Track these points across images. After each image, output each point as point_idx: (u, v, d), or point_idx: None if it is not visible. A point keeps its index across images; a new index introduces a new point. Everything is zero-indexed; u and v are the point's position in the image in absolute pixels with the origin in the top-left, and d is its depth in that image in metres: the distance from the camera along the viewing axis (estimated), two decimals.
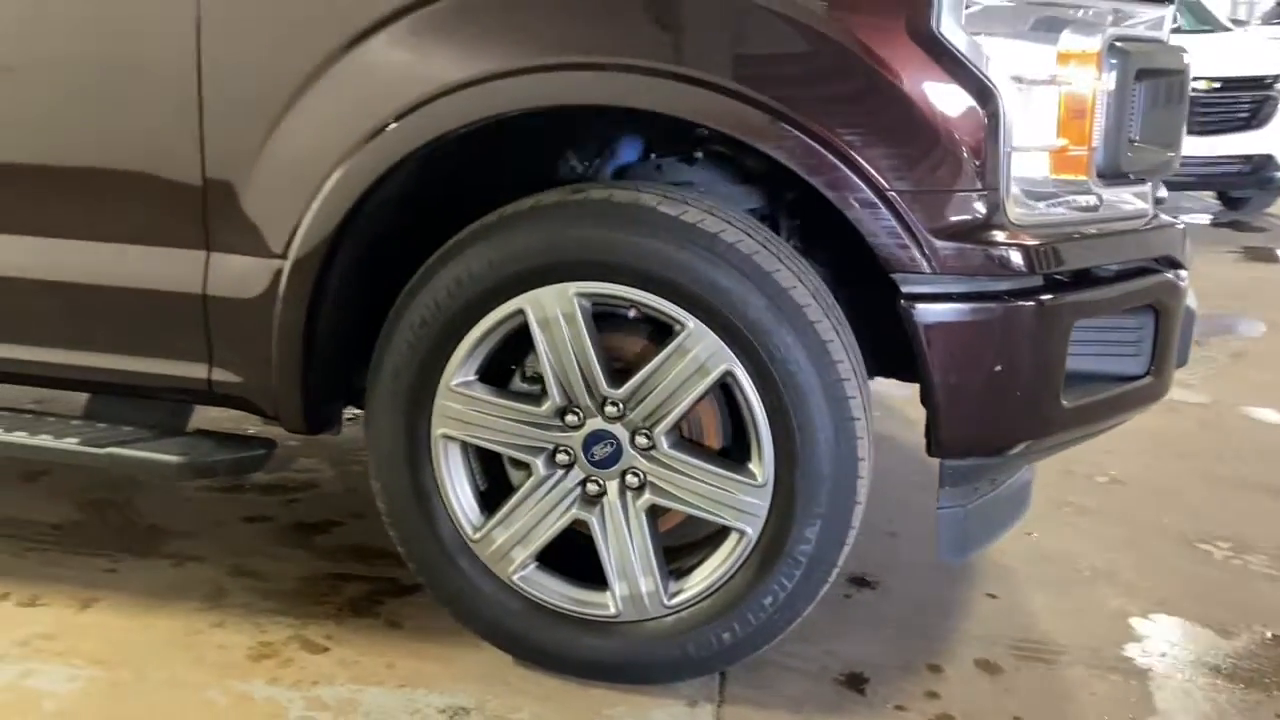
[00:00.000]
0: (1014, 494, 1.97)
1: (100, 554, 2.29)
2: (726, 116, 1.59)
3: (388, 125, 1.67)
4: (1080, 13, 1.68)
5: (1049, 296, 1.65)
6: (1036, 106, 1.65)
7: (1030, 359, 1.66)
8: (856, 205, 1.59)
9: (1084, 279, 1.75)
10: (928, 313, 1.62)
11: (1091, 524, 2.59)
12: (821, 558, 1.72)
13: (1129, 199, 1.84)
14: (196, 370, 1.88)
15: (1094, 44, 1.67)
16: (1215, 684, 1.94)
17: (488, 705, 1.81)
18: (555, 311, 1.72)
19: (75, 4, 1.82)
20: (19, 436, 1.94)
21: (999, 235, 1.61)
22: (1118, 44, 1.70)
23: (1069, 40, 1.65)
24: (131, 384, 1.94)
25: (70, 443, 1.91)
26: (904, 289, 1.61)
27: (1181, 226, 1.97)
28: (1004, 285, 1.63)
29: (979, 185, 1.60)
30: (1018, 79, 1.61)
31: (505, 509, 1.83)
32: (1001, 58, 1.60)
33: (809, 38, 1.58)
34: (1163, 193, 2.16)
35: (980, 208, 1.60)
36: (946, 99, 1.58)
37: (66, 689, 1.83)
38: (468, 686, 1.86)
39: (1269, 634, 2.12)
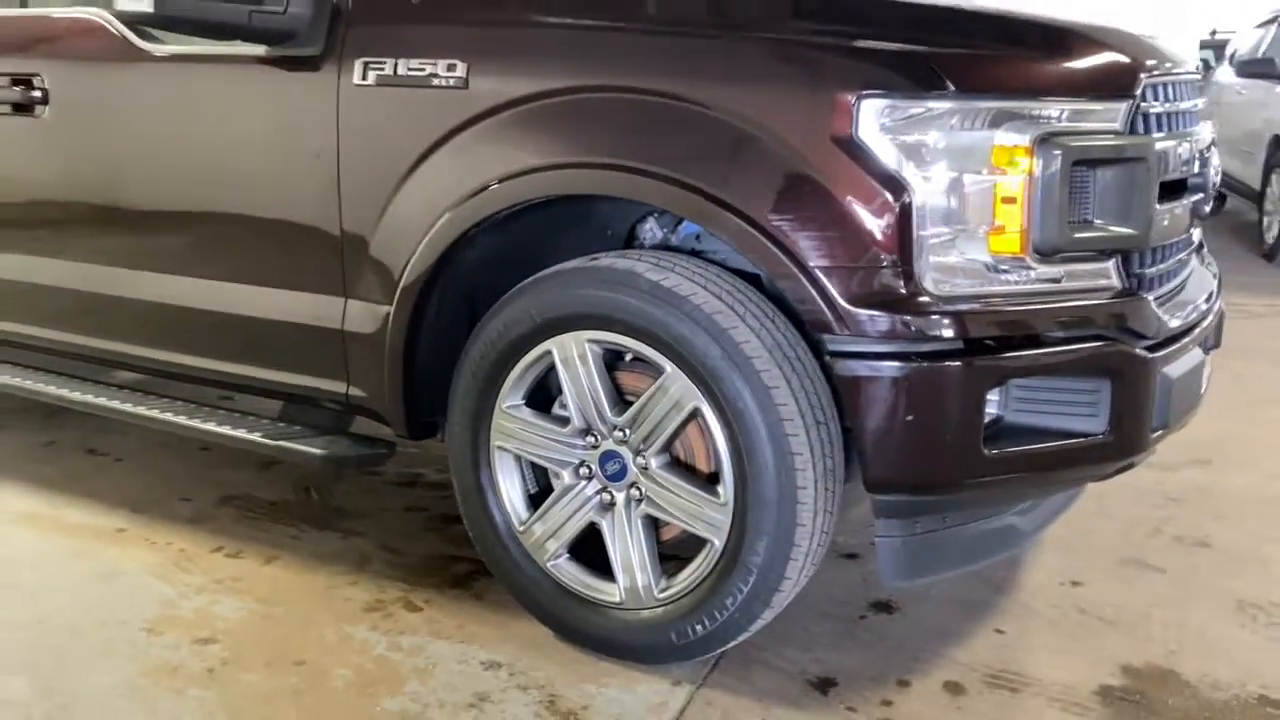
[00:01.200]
0: (985, 533, 2.20)
1: (293, 525, 2.99)
2: (683, 203, 2.00)
3: (450, 209, 2.21)
4: (1010, 113, 1.92)
5: (958, 358, 1.91)
6: (956, 196, 1.92)
7: (942, 411, 1.92)
8: (781, 277, 1.94)
9: (1021, 343, 1.98)
10: (846, 367, 1.94)
11: (1149, 581, 2.68)
12: (769, 569, 2.06)
13: (1078, 274, 2.03)
14: (339, 386, 2.51)
15: (1020, 140, 1.91)
16: None
17: (517, 664, 2.28)
18: (573, 353, 2.18)
19: (263, 129, 2.50)
20: (225, 429, 2.66)
21: (912, 305, 1.90)
22: (1051, 138, 1.93)
23: (989, 139, 1.91)
24: (295, 394, 2.61)
25: (256, 436, 2.61)
26: (828, 347, 1.94)
27: (1206, 305, 2.15)
28: (918, 347, 1.91)
29: (891, 263, 1.90)
30: (935, 175, 1.90)
31: (542, 508, 2.31)
32: (917, 157, 1.89)
33: (747, 141, 1.96)
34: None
35: (892, 282, 1.90)
36: (861, 192, 1.89)
37: (235, 615, 2.49)
38: (510, 649, 2.34)
39: (1256, 694, 2.18)
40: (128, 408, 2.83)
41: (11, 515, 3.07)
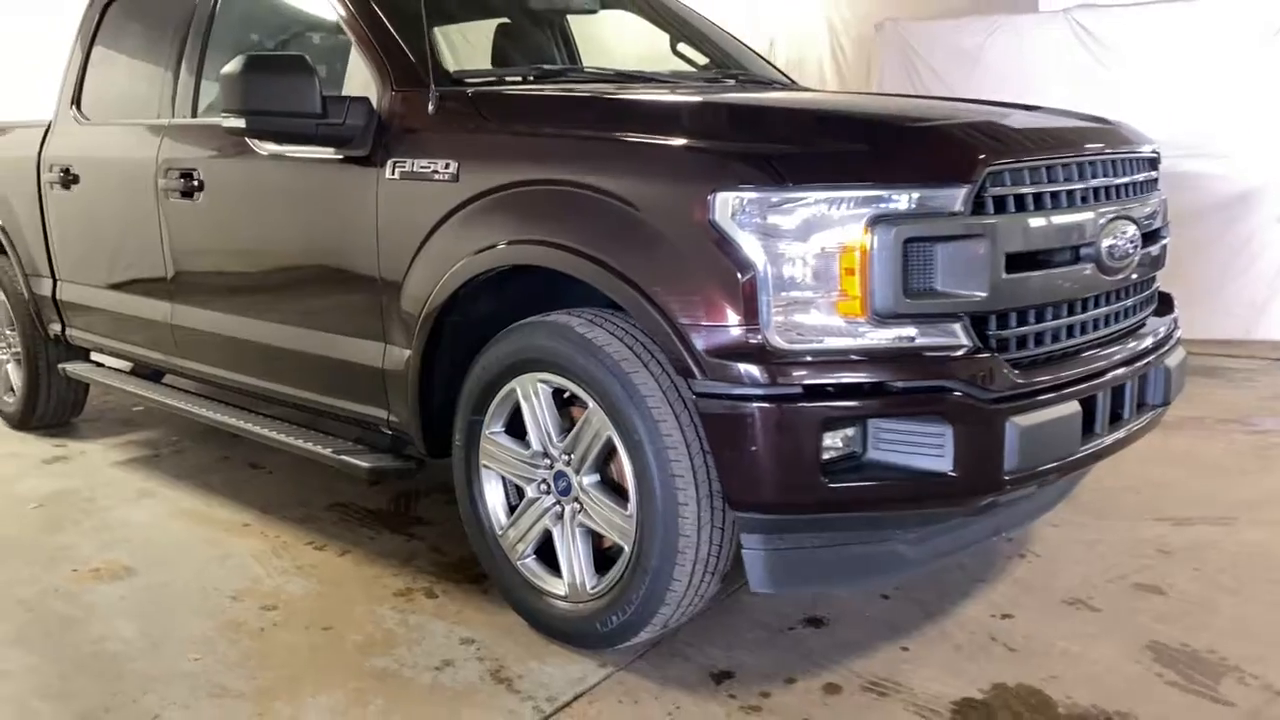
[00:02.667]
0: (861, 555, 2.54)
1: (374, 528, 3.66)
2: (594, 274, 2.49)
3: (445, 274, 2.81)
4: (843, 200, 2.31)
5: (796, 402, 2.30)
6: (800, 269, 2.31)
7: (782, 446, 2.31)
8: (657, 333, 2.41)
9: (862, 390, 2.34)
10: (706, 405, 2.37)
11: (1079, 619, 2.87)
12: (661, 571, 2.50)
13: (927, 333, 2.36)
14: (382, 413, 3.15)
15: (856, 222, 2.29)
16: None
17: (487, 642, 2.82)
18: (530, 390, 2.72)
19: (328, 211, 3.19)
20: (299, 443, 3.37)
21: (759, 358, 2.31)
22: (884, 219, 2.30)
23: (827, 221, 2.30)
24: (354, 418, 3.28)
25: (319, 448, 3.30)
26: (692, 389, 2.38)
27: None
28: (763, 391, 2.31)
29: (740, 323, 2.32)
30: (780, 248, 2.31)
31: (514, 516, 2.85)
32: (764, 237, 2.30)
33: (639, 224, 2.43)
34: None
35: (741, 338, 2.32)
36: (717, 266, 2.33)
37: (299, 591, 3.17)
38: (487, 631, 2.88)
39: (1106, 717, 2.39)
40: (238, 423, 3.62)
41: (175, 510, 3.91)
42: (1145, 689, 2.52)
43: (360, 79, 3.13)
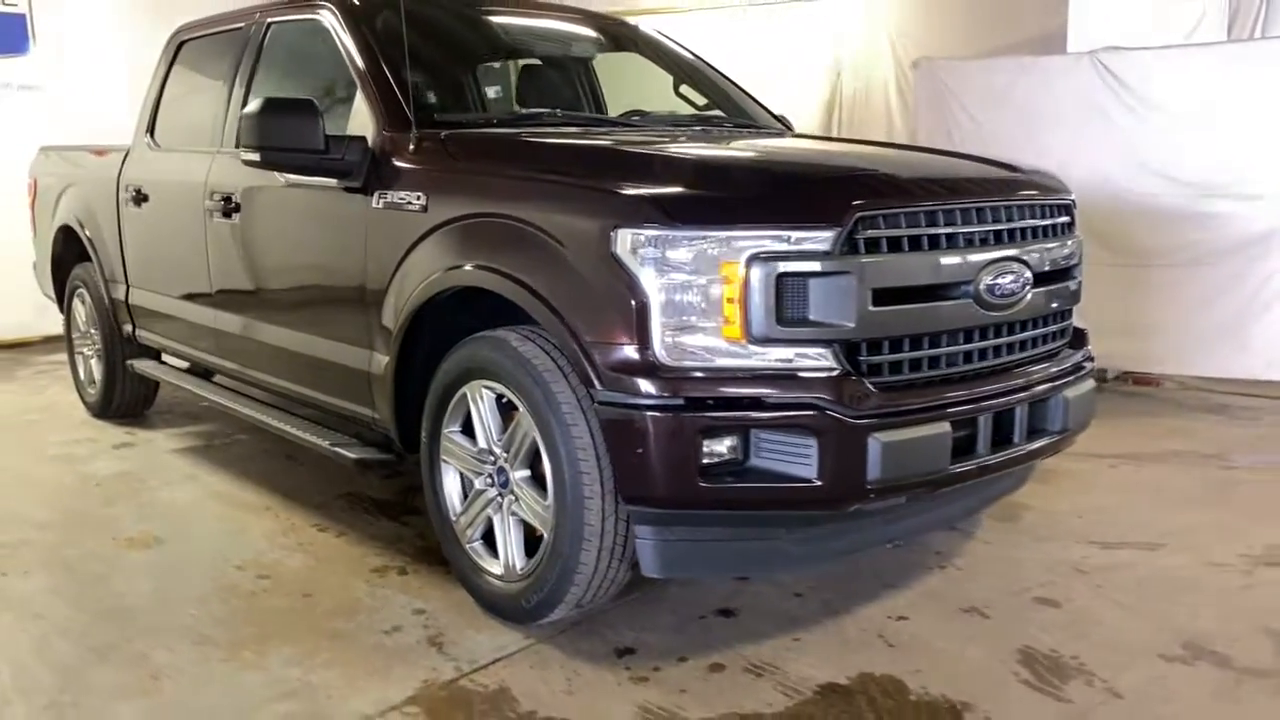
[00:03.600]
0: (746, 550, 2.88)
1: (373, 515, 4.11)
2: (521, 296, 2.89)
3: (414, 292, 3.24)
4: (724, 239, 2.66)
5: (676, 412, 2.65)
6: (686, 297, 2.67)
7: (663, 449, 2.67)
8: (565, 348, 2.79)
9: (740, 404, 2.68)
10: (603, 412, 2.74)
11: (967, 624, 3.14)
12: (570, 556, 2.87)
13: (802, 356, 2.69)
14: (369, 412, 3.60)
15: (735, 259, 2.64)
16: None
17: (435, 613, 3.23)
18: (477, 395, 3.13)
19: (330, 232, 3.65)
20: (303, 435, 3.85)
21: (647, 373, 2.67)
22: (759, 257, 2.64)
23: (710, 257, 2.65)
24: (348, 415, 3.73)
25: (319, 441, 3.77)
26: (594, 396, 2.75)
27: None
28: (651, 402, 2.67)
29: (634, 342, 2.68)
30: (668, 279, 2.67)
31: (465, 504, 3.25)
32: (655, 269, 2.67)
33: (557, 254, 2.82)
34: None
35: (633, 356, 2.68)
36: (616, 292, 2.70)
37: (294, 564, 3.64)
38: (439, 605, 3.29)
39: (948, 704, 2.67)
40: (255, 415, 4.14)
41: (210, 493, 4.44)
42: (997, 685, 2.79)
43: (361, 119, 3.59)
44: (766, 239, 2.68)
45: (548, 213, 2.89)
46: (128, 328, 5.24)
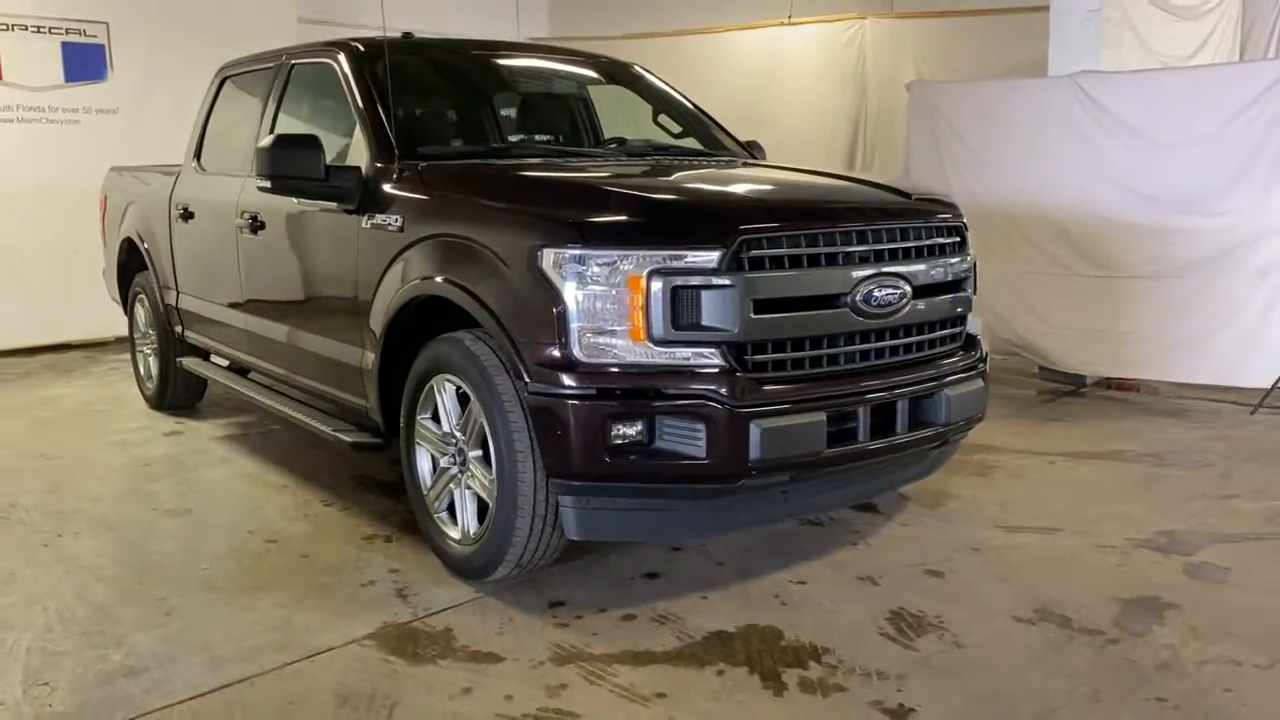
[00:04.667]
0: (652, 518, 3.41)
1: (375, 493, 4.71)
2: (471, 305, 3.45)
3: (392, 299, 3.83)
4: (629, 258, 3.19)
5: (591, 400, 3.19)
6: (599, 304, 3.21)
7: (578, 431, 3.21)
8: (501, 348, 3.35)
9: (644, 394, 3.22)
10: (531, 400, 3.28)
11: (858, 589, 3.61)
12: (508, 523, 3.44)
13: (698, 355, 3.22)
14: (362, 402, 4.21)
15: (638, 273, 3.18)
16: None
17: (407, 572, 3.81)
18: (441, 388, 3.71)
19: (333, 247, 4.27)
20: (310, 421, 4.47)
21: (567, 367, 3.22)
22: (658, 272, 3.18)
23: (618, 271, 3.19)
24: (345, 405, 4.34)
25: (321, 427, 4.39)
26: (525, 388, 3.31)
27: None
28: (570, 391, 3.22)
29: (557, 343, 3.23)
30: (584, 290, 3.22)
31: (434, 480, 3.83)
32: (574, 281, 3.21)
33: (499, 269, 3.39)
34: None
35: (558, 354, 3.23)
36: (541, 301, 3.26)
37: (298, 531, 4.25)
38: (412, 566, 3.87)
39: (811, 648, 3.17)
40: (270, 403, 4.81)
41: (240, 474, 5.10)
42: (859, 636, 3.28)
43: (360, 150, 4.21)
44: (664, 257, 3.21)
45: (493, 234, 3.46)
46: (178, 329, 5.94)
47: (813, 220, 3.41)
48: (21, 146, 8.39)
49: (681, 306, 3.22)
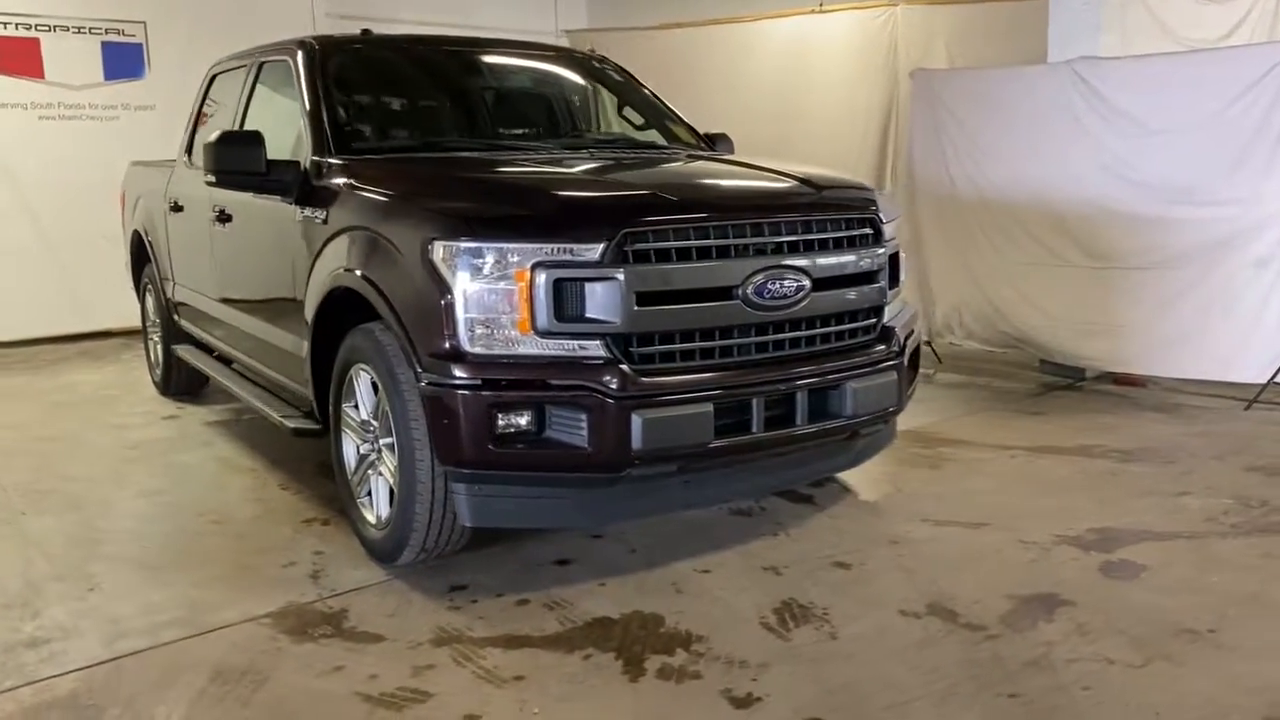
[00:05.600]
0: (540, 506, 3.49)
1: (330, 479, 4.85)
2: (375, 296, 3.56)
3: (318, 290, 3.96)
4: (514, 250, 3.26)
5: (476, 390, 3.27)
6: (486, 296, 3.28)
7: (465, 420, 3.29)
8: (396, 339, 3.45)
9: (529, 385, 3.29)
10: (424, 390, 3.37)
11: (758, 578, 3.63)
12: (409, 508, 3.55)
13: (582, 346, 3.28)
14: (306, 390, 4.35)
15: (522, 265, 3.25)
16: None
17: (330, 554, 3.95)
18: (357, 377, 3.83)
19: (276, 238, 4.41)
20: (262, 405, 4.65)
21: (455, 358, 3.30)
22: (541, 264, 3.24)
23: (503, 263, 3.26)
24: (293, 392, 4.49)
25: (270, 412, 4.55)
26: (419, 377, 3.40)
27: None
28: (457, 382, 3.30)
29: (444, 333, 3.32)
30: (472, 283, 3.30)
31: (356, 466, 3.96)
32: (462, 272, 3.30)
33: (397, 260, 3.48)
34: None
35: (445, 344, 3.32)
36: (433, 292, 3.34)
37: (247, 513, 4.43)
38: (338, 548, 4.00)
39: (680, 634, 3.21)
40: (232, 387, 5.03)
41: (215, 457, 5.30)
42: (738, 626, 3.31)
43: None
44: (549, 250, 3.28)
45: (393, 227, 3.56)
46: (176, 318, 6.18)
47: (701, 214, 3.44)
48: (63, 143, 8.77)
49: (565, 299, 3.28)
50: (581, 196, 3.62)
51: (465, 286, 3.30)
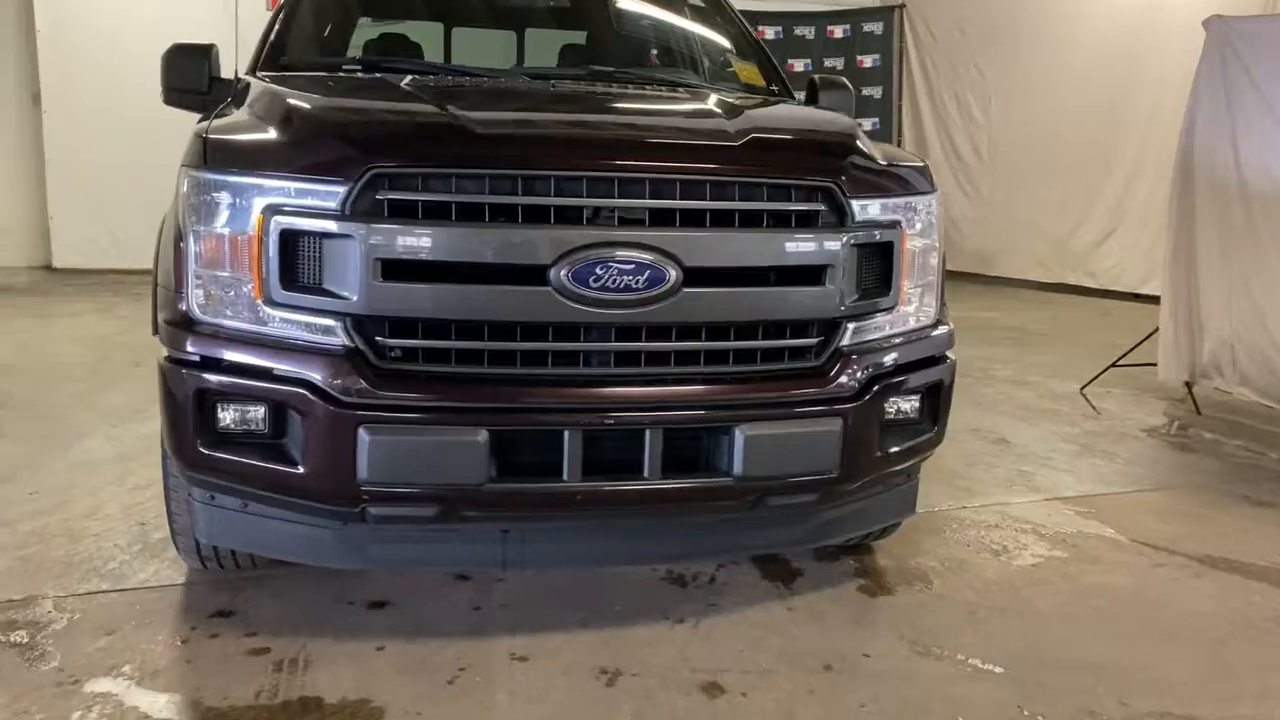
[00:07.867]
0: (291, 535, 2.62)
1: None
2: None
3: None
4: (244, 187, 2.39)
5: (187, 369, 2.45)
6: (212, 247, 2.44)
7: (172, 408, 2.49)
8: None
9: (242, 370, 2.42)
10: (159, 364, 2.58)
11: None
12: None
13: (313, 326, 2.37)
14: None
15: (252, 209, 2.38)
16: None
17: (152, 546, 3.32)
18: None
19: None
20: None
21: (182, 325, 2.48)
22: (274, 210, 2.35)
23: (233, 205, 2.41)
24: None
25: None
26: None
27: None
28: (172, 355, 2.50)
29: (175, 293, 2.50)
30: (204, 226, 2.45)
31: None
32: (193, 214, 2.46)
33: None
34: None
35: (177, 307, 2.49)
36: (169, 236, 2.58)
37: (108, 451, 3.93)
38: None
39: None
40: None
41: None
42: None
43: None
44: (286, 190, 2.39)
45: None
46: None
47: (501, 156, 2.38)
48: None
49: (297, 259, 2.39)
50: (337, 122, 2.64)
51: (199, 229, 2.48)
